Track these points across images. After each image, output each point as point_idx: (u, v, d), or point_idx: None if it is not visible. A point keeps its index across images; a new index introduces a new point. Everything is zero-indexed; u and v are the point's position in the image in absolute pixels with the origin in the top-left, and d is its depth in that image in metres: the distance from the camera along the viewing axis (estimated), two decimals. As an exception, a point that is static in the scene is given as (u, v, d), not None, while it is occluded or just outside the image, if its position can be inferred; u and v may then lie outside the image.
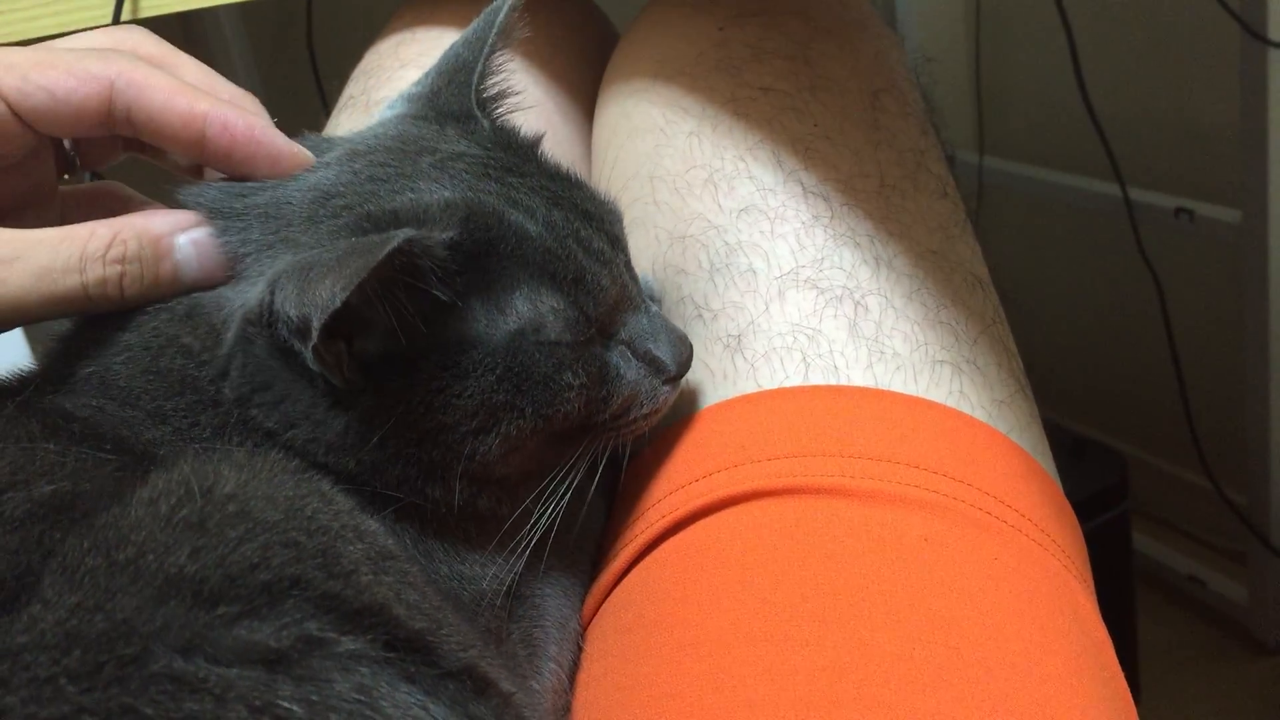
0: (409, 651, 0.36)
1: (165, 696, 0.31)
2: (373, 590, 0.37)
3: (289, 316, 0.38)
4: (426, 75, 0.52)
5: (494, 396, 0.43)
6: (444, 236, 0.40)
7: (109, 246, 0.43)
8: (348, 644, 0.35)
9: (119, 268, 0.43)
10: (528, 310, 0.43)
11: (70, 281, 0.43)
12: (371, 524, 0.41)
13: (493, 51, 0.51)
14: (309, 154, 0.47)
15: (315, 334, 0.38)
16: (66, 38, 0.49)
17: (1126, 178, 1.28)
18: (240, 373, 0.42)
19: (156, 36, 0.50)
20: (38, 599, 0.33)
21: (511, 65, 0.53)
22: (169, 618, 0.33)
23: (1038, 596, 0.44)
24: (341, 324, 0.39)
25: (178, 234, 0.44)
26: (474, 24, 0.52)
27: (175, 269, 0.44)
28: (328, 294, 0.37)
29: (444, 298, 0.41)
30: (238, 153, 0.46)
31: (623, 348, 0.48)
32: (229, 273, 0.44)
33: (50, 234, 0.43)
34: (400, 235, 0.38)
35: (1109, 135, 1.23)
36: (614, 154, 0.65)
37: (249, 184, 0.46)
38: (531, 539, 0.46)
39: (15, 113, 0.44)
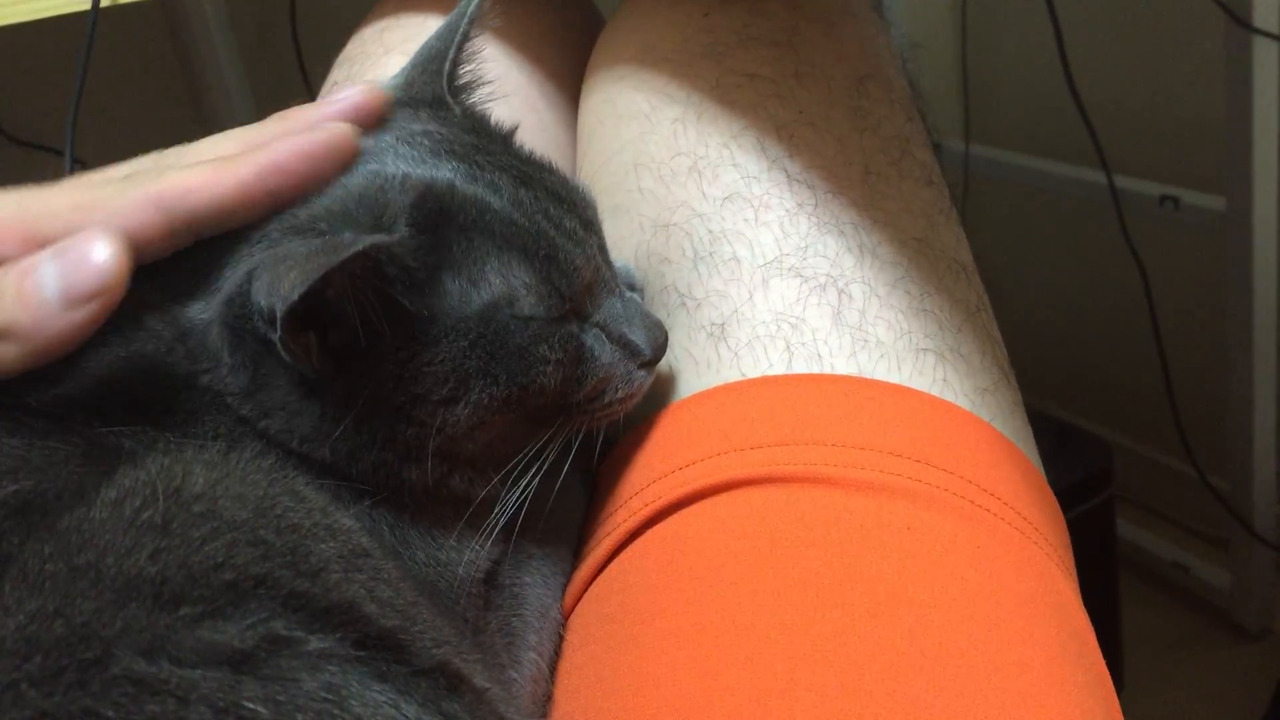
0: (380, 650, 0.36)
1: (127, 699, 0.31)
2: (342, 588, 0.36)
3: (260, 306, 0.38)
4: (403, 70, 0.52)
5: (465, 363, 0.42)
6: (397, 237, 0.41)
7: None
8: (316, 643, 0.34)
9: None
10: (500, 283, 0.43)
11: None
12: (346, 521, 0.40)
13: (465, 39, 0.51)
14: (346, 127, 0.44)
15: (279, 325, 0.38)
16: (70, 183, 0.42)
17: (1112, 165, 1.28)
18: (215, 358, 0.42)
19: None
20: None
21: (491, 54, 0.53)
22: (130, 620, 0.32)
23: (1020, 584, 0.44)
24: (311, 317, 0.39)
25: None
26: (449, 16, 0.52)
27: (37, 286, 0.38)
28: (288, 287, 0.37)
29: (407, 305, 0.41)
30: (307, 175, 0.42)
31: (597, 330, 0.47)
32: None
33: None
34: (364, 241, 0.38)
35: (1095, 123, 1.23)
36: (598, 140, 0.65)
37: None
38: (500, 520, 0.46)
39: None
